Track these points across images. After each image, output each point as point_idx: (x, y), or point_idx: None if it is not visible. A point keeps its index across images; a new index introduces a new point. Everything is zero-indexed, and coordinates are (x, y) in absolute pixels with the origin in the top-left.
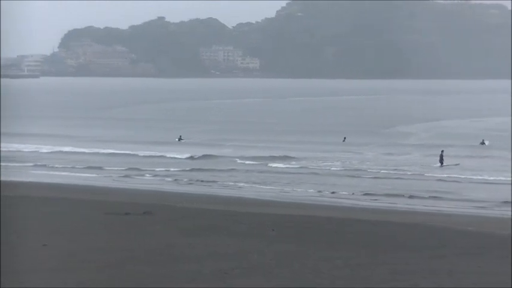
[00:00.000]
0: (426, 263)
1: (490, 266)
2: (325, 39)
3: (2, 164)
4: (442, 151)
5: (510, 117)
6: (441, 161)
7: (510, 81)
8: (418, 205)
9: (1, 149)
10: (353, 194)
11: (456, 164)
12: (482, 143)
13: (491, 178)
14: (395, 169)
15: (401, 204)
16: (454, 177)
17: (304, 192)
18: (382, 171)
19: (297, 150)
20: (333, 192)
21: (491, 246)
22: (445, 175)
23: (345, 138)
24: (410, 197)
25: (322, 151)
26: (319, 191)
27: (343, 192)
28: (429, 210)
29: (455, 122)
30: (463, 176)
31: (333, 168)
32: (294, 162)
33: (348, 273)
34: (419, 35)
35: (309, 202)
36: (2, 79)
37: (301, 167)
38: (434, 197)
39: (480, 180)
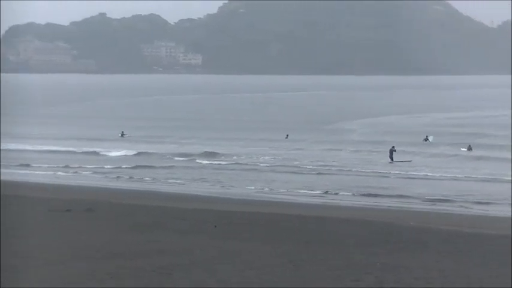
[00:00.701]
0: (369, 258)
1: (433, 261)
2: (269, 36)
3: None
4: (393, 147)
5: (450, 114)
6: (391, 157)
7: (455, 76)
8: (362, 201)
9: None
10: (296, 190)
11: (408, 161)
12: (426, 140)
13: (438, 175)
14: (340, 165)
15: (346, 200)
16: (402, 173)
17: (244, 188)
18: (326, 167)
19: (238, 147)
20: (271, 189)
21: (434, 241)
22: (395, 171)
23: (287, 135)
24: (355, 193)
25: (265, 147)
26: (262, 188)
27: (283, 190)
28: (372, 206)
29: (397, 117)
30: (410, 172)
31: (275, 165)
32: (235, 157)
33: (291, 269)
34: (364, 31)
35: (249, 198)
36: None
37: (241, 164)
38: (377, 194)
39: (425, 176)
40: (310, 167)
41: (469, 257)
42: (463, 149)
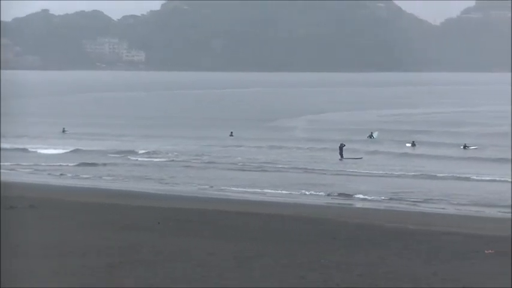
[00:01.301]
0: (314, 255)
1: (378, 258)
2: (212, 33)
3: None
4: (342, 144)
5: (394, 110)
6: (341, 154)
7: (400, 73)
8: (309, 199)
9: None
10: (240, 187)
11: (359, 158)
12: (371, 136)
13: (383, 172)
14: (286, 162)
15: (292, 197)
16: (349, 171)
17: (186, 186)
18: (270, 164)
19: (182, 144)
20: (212, 187)
21: (379, 238)
22: (343, 169)
23: (231, 132)
24: (302, 191)
25: (209, 145)
26: (205, 185)
27: (225, 187)
28: (319, 204)
29: (341, 114)
30: (355, 170)
31: (218, 162)
32: (176, 154)
33: (235, 266)
34: (306, 28)
35: (192, 195)
36: None
37: (184, 161)
38: (324, 192)
39: (370, 174)
40: (255, 164)
41: (415, 254)
42: (408, 145)
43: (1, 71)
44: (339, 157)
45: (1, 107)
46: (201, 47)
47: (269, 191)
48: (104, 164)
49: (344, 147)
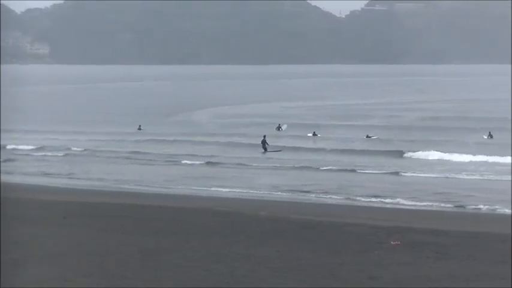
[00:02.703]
0: (223, 248)
1: (288, 250)
2: (118, 25)
3: None
4: (264, 136)
5: (299, 103)
6: (264, 147)
7: (307, 65)
8: (220, 192)
9: None
10: (150, 181)
11: (279, 150)
12: (279, 128)
13: (284, 165)
14: (199, 155)
15: (198, 191)
16: (264, 165)
17: (94, 180)
18: (179, 157)
19: (87, 140)
20: (116, 180)
21: (289, 230)
22: (248, 163)
23: (140, 126)
24: (216, 184)
25: (117, 140)
26: (112, 179)
27: (137, 180)
28: (229, 196)
29: (249, 107)
30: (263, 164)
31: (129, 157)
32: (79, 149)
33: (140, 260)
34: (212, 21)
35: (99, 189)
36: None
37: (91, 156)
38: (236, 185)
39: (276, 167)
40: (163, 157)
41: (325, 246)
42: (309, 134)
43: None
44: (262, 150)
45: None
46: (106, 40)
47: (175, 185)
48: (6, 160)
49: (265, 140)
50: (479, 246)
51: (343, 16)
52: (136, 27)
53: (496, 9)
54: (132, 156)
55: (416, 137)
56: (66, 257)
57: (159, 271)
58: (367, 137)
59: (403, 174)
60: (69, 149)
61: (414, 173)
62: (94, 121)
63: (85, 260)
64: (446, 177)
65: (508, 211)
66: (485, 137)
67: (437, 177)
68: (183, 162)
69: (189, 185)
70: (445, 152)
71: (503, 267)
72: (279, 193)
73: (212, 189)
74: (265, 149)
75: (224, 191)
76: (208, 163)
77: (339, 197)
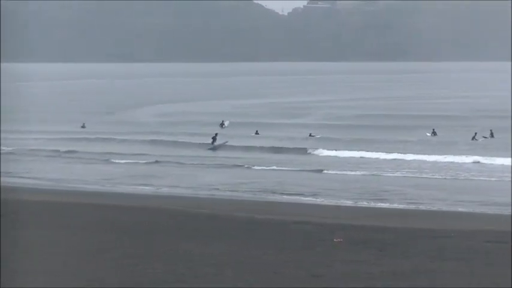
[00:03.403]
0: (160, 246)
1: (225, 248)
2: (55, 23)
3: None
4: (216, 134)
5: (240, 101)
6: (213, 142)
7: (248, 63)
8: (159, 190)
9: None
10: (87, 180)
11: (226, 142)
12: (222, 125)
13: (227, 163)
14: (139, 154)
15: (141, 190)
16: (191, 163)
17: (33, 178)
18: (117, 156)
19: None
20: (50, 179)
21: (226, 228)
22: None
23: (84, 124)
24: (155, 184)
25: (61, 139)
26: (57, 178)
27: (76, 180)
28: (168, 195)
29: (184, 105)
30: (204, 162)
31: (70, 157)
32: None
33: (81, 259)
34: (155, 19)
35: (37, 188)
36: None
37: (32, 155)
38: (176, 185)
39: (221, 164)
40: (105, 156)
41: (262, 243)
42: (252, 134)
43: None
44: (211, 145)
45: None
46: (43, 37)
47: (115, 183)
48: None
49: (216, 136)
50: (419, 242)
51: (286, 14)
52: (73, 24)
53: (435, 7)
54: (66, 155)
55: (359, 135)
56: (12, 254)
57: (102, 270)
58: (310, 135)
59: (325, 172)
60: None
61: (339, 171)
62: (36, 120)
63: (26, 260)
64: (373, 175)
65: (434, 208)
66: (429, 135)
67: (363, 175)
68: (125, 161)
69: (130, 184)
70: (371, 151)
71: (442, 264)
72: (221, 191)
73: (151, 188)
74: (214, 146)
75: (165, 190)
76: (149, 162)
77: (279, 195)
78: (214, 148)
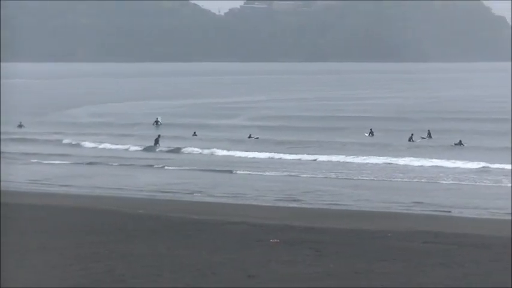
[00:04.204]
0: (99, 247)
1: (164, 248)
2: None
3: None
4: (159, 136)
5: (178, 101)
6: (156, 144)
7: (187, 63)
8: (96, 191)
9: None
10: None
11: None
12: (156, 122)
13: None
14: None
15: (78, 189)
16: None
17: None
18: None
19: None
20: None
21: (164, 227)
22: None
23: (20, 122)
24: (94, 184)
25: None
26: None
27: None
28: (107, 195)
29: (125, 104)
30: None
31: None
32: None
33: (16, 260)
34: (93, 18)
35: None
36: None
37: None
38: (115, 186)
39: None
40: (44, 157)
41: (205, 244)
42: (192, 136)
43: None
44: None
45: None
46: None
47: (50, 184)
48: None
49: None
50: (356, 243)
51: (222, 14)
52: (16, 24)
53: (373, 8)
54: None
55: (297, 137)
56: None
57: (36, 271)
58: (250, 137)
59: (236, 172)
60: None
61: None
62: None
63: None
64: (310, 177)
65: (370, 209)
66: (366, 135)
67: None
68: (61, 162)
69: (62, 185)
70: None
71: (383, 264)
72: (156, 192)
73: (88, 188)
74: (156, 145)
75: (101, 190)
76: (79, 163)
77: (215, 196)
78: (154, 150)
